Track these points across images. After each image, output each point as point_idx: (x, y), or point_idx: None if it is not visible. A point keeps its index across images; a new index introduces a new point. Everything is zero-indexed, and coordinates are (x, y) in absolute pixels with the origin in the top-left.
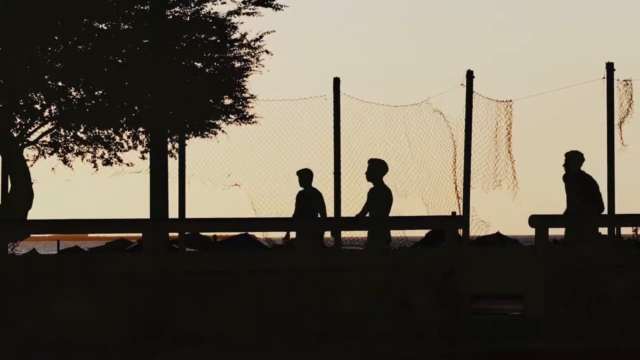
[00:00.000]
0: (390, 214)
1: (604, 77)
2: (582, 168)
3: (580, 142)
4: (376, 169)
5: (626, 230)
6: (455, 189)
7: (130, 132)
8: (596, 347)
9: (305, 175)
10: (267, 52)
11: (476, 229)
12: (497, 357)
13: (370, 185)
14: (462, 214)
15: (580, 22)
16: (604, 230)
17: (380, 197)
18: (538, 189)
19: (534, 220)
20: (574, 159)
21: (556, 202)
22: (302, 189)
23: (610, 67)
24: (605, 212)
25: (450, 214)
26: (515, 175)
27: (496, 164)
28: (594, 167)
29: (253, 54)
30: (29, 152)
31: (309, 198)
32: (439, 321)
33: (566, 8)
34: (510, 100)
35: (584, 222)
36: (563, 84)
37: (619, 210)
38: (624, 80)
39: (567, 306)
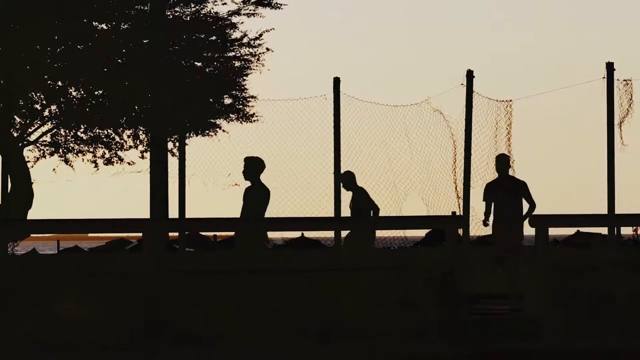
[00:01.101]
0: (391, 214)
1: (604, 77)
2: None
3: (580, 141)
4: (253, 167)
5: (626, 230)
6: (455, 189)
7: (131, 131)
8: (596, 347)
9: (349, 177)
10: (267, 49)
11: (476, 229)
12: (497, 357)
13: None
14: (462, 214)
15: (580, 22)
16: (604, 230)
17: (257, 195)
18: (538, 188)
19: (534, 220)
20: (504, 162)
21: (556, 202)
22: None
23: (610, 67)
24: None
25: (450, 214)
26: (515, 175)
27: None
28: (594, 166)
29: (253, 52)
30: (29, 153)
31: (358, 198)
32: (439, 321)
33: (566, 8)
34: (510, 100)
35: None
36: (563, 84)
37: (619, 210)
38: (624, 80)
39: (567, 306)
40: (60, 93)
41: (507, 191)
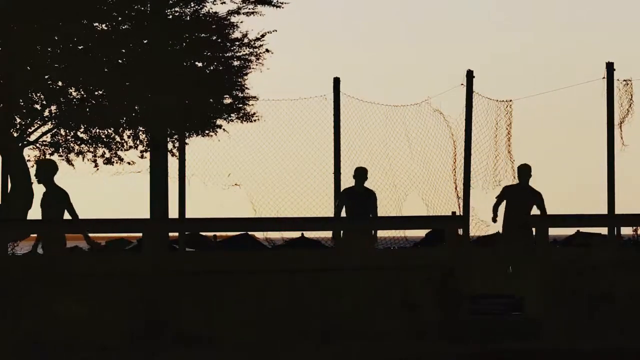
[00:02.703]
0: (391, 214)
1: (604, 77)
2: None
3: (580, 142)
4: (46, 170)
5: (626, 230)
6: (455, 189)
7: (131, 131)
8: (596, 347)
9: (363, 174)
10: (267, 50)
11: (476, 229)
12: (497, 357)
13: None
14: (462, 214)
15: (580, 22)
16: (604, 230)
17: (54, 198)
18: (538, 188)
19: (534, 220)
20: (525, 172)
21: (556, 202)
22: (348, 186)
23: (610, 67)
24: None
25: (450, 214)
26: (515, 175)
27: (496, 164)
28: (594, 167)
29: (254, 52)
30: (30, 153)
31: (366, 197)
32: (439, 321)
33: (566, 8)
34: (510, 100)
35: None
36: (563, 84)
37: (619, 210)
38: (624, 80)
39: (567, 306)
40: (60, 93)
41: (525, 201)
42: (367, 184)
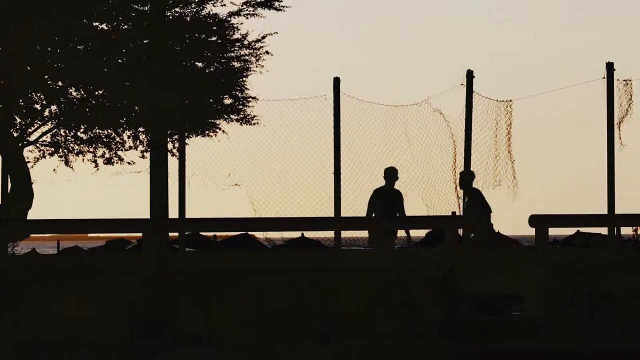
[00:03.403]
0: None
1: (603, 77)
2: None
3: (580, 141)
4: None
5: (626, 230)
6: (455, 189)
7: (131, 131)
8: (596, 347)
9: (395, 175)
10: (267, 52)
11: None
12: (497, 357)
13: None
14: (462, 214)
15: (580, 22)
16: (604, 230)
17: None
18: (538, 189)
19: (534, 220)
20: (468, 178)
21: (556, 202)
22: (378, 186)
23: (610, 67)
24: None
25: (450, 214)
26: (515, 175)
27: (496, 164)
28: (594, 167)
29: (254, 54)
30: (29, 154)
31: (396, 198)
32: (439, 321)
33: (566, 8)
34: (510, 100)
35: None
36: (563, 84)
37: (618, 210)
38: (624, 80)
39: (567, 306)
40: (60, 93)
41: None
42: (367, 185)
